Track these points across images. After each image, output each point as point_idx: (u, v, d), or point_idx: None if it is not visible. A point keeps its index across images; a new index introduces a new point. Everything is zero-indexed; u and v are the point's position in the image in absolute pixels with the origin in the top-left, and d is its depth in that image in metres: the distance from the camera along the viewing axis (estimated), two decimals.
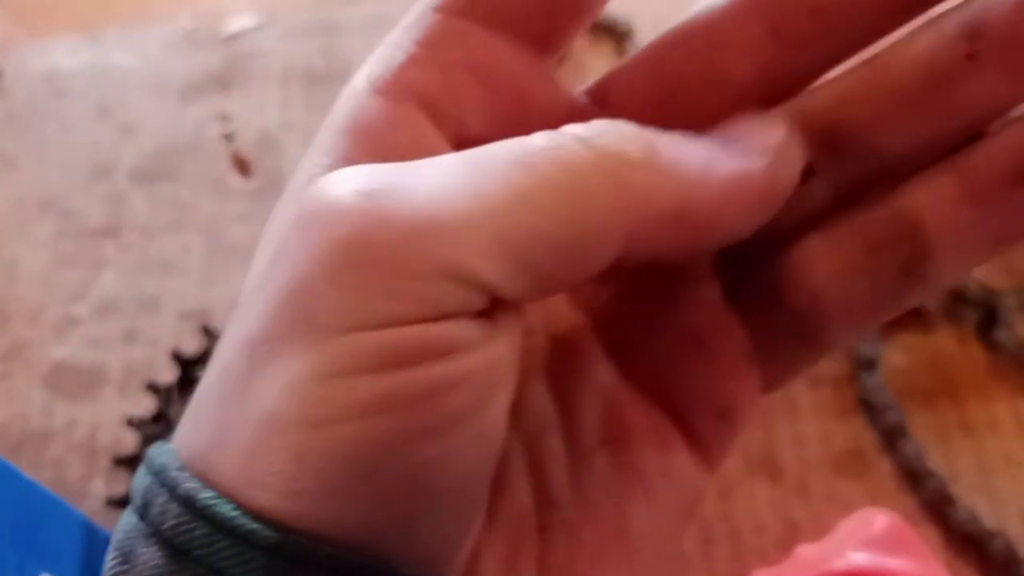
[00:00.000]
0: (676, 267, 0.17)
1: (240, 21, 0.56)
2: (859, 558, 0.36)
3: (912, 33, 0.15)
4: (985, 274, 0.45)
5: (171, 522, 0.14)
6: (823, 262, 0.16)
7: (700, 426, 0.17)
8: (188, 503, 0.13)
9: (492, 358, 0.13)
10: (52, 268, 0.48)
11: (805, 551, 0.37)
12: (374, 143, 0.15)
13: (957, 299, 0.44)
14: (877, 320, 0.16)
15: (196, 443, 0.14)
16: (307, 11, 0.56)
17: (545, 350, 0.17)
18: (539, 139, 0.14)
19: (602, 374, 0.17)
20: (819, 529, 0.39)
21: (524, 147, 0.14)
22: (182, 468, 0.14)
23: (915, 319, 0.44)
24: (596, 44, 0.54)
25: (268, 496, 0.13)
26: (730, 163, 0.15)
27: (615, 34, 0.54)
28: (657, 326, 0.17)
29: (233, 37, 0.56)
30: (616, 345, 0.17)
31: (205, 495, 0.13)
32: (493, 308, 0.13)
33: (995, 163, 0.14)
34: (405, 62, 0.16)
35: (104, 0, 0.58)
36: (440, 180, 0.13)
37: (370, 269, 0.12)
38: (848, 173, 0.16)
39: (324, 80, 0.53)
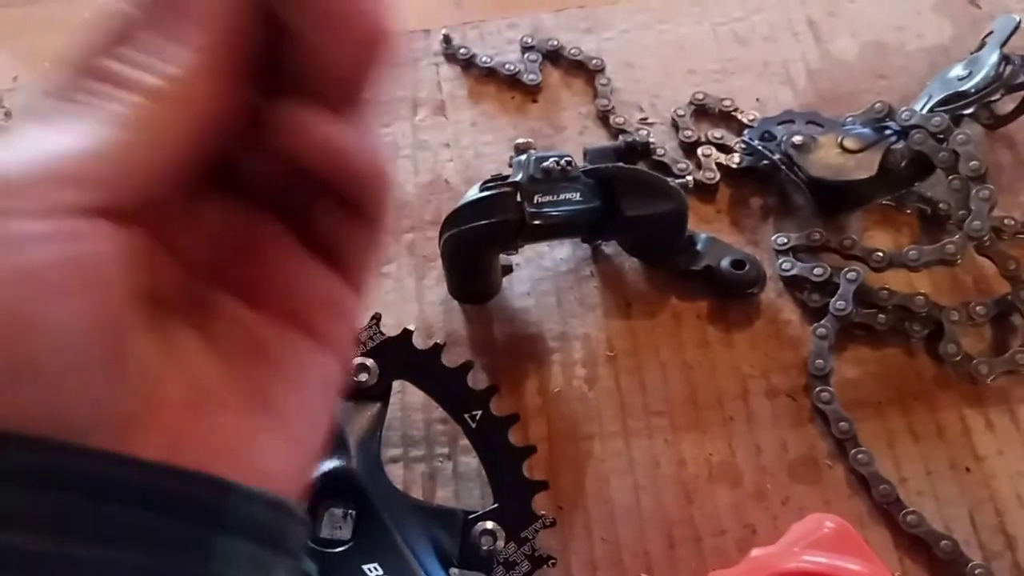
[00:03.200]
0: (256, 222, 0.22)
1: None
2: (810, 559, 0.39)
3: None
4: (932, 291, 0.48)
5: None
6: None
7: (321, 328, 0.22)
8: None
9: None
10: None
11: (759, 553, 0.40)
12: None
13: (905, 314, 0.47)
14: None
15: None
16: None
17: (179, 294, 0.21)
18: None
19: (231, 309, 0.21)
20: (776, 532, 0.42)
21: None
22: None
23: (866, 334, 0.47)
24: (570, 80, 0.57)
25: None
26: None
27: (587, 70, 0.57)
28: (261, 272, 0.22)
29: None
30: (238, 286, 0.22)
31: None
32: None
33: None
34: None
35: None
36: None
37: None
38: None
39: None
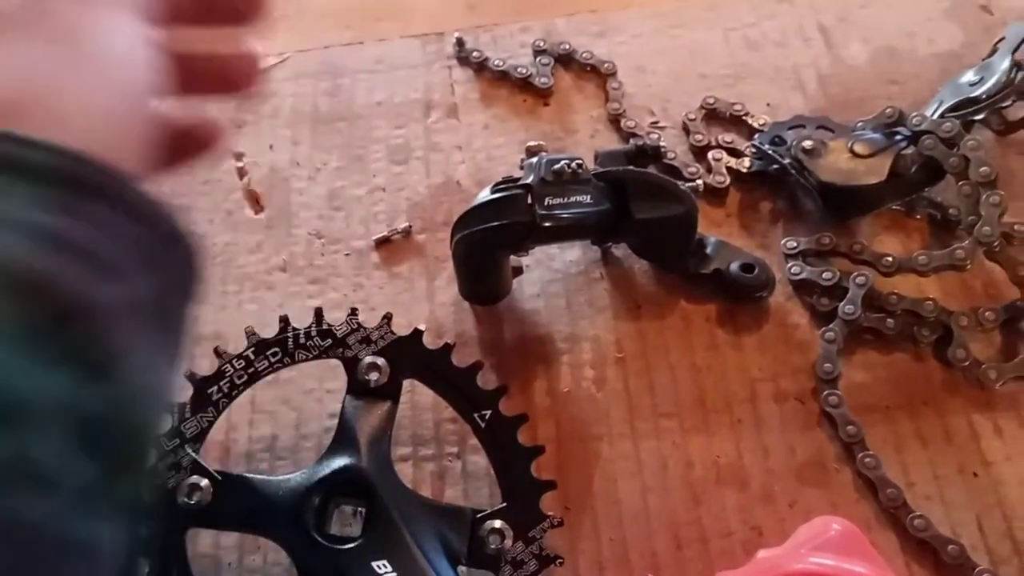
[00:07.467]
0: None
1: None
2: (816, 561, 0.39)
3: None
4: (941, 296, 0.48)
5: None
6: None
7: None
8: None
9: None
10: None
11: (765, 555, 0.40)
12: None
13: (914, 319, 0.47)
14: None
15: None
16: (314, 54, 0.60)
17: None
18: None
19: None
20: (783, 535, 0.42)
21: None
22: None
23: (875, 338, 0.47)
24: (582, 84, 0.58)
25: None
26: None
27: (599, 74, 0.57)
28: None
29: None
30: None
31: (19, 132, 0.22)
32: None
33: None
34: None
35: None
36: None
37: None
38: None
39: (329, 120, 0.57)
